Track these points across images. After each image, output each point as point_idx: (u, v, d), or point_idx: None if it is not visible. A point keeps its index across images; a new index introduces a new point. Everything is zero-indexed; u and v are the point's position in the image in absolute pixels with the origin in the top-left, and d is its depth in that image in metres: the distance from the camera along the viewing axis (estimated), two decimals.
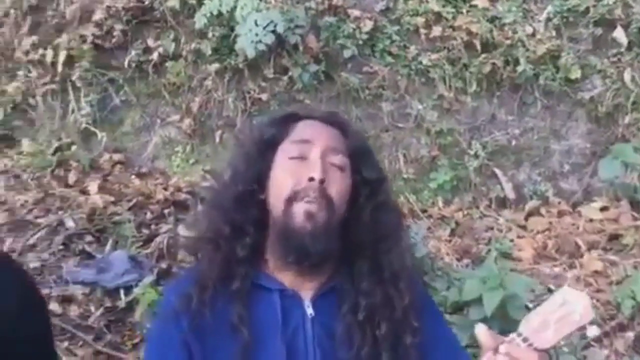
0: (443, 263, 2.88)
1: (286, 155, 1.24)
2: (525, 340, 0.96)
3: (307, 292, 1.25)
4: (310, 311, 1.23)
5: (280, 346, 1.19)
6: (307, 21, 3.68)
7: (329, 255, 1.22)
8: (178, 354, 1.18)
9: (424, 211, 3.53)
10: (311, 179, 1.18)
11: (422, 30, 3.80)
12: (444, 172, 3.67)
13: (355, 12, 3.79)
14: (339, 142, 1.27)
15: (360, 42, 3.75)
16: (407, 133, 3.79)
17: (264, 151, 1.27)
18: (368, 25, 3.76)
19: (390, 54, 3.80)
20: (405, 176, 3.69)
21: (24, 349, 1.21)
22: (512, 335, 0.98)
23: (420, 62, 3.77)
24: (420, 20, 3.82)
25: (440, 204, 3.62)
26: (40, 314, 1.32)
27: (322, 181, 1.18)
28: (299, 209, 1.17)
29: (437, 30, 3.81)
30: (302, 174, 1.20)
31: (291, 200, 1.19)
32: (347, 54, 3.73)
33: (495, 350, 0.98)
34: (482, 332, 1.01)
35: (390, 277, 1.25)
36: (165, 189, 3.46)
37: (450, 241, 3.24)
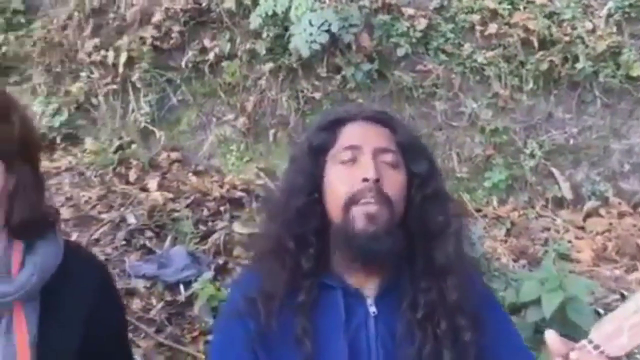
0: (499, 263, 2.85)
1: (337, 160, 1.24)
2: (596, 347, 0.93)
3: (369, 290, 1.26)
4: (373, 309, 1.24)
5: (342, 344, 1.20)
6: (361, 20, 3.69)
7: (396, 253, 1.23)
8: (242, 352, 1.22)
9: (478, 210, 3.50)
10: (365, 180, 1.18)
11: (478, 28, 3.77)
12: (499, 171, 3.63)
13: (410, 10, 3.79)
14: (388, 140, 1.26)
15: (414, 40, 3.74)
16: (461, 132, 3.76)
17: (315, 159, 1.27)
18: (422, 24, 3.75)
19: (444, 52, 3.77)
20: (458, 175, 3.66)
21: (105, 335, 1.26)
22: (583, 342, 0.95)
23: (475, 60, 3.73)
24: (475, 17, 3.78)
25: (495, 203, 3.57)
26: (118, 302, 1.38)
27: (376, 180, 1.18)
28: (359, 212, 1.17)
29: (492, 28, 3.76)
30: (355, 176, 1.19)
31: (348, 205, 1.18)
32: (400, 52, 3.73)
33: (565, 357, 0.97)
34: (551, 337, 0.99)
35: (443, 272, 1.25)
36: (221, 186, 3.53)
37: (505, 241, 3.19)
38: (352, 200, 1.18)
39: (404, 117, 3.65)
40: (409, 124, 1.42)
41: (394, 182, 1.22)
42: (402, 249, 1.23)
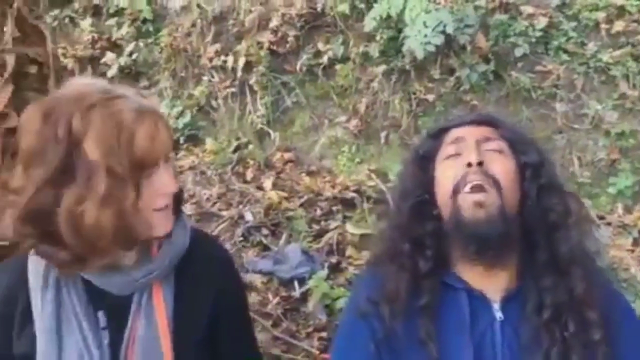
0: (627, 274, 2.68)
1: (442, 158, 1.26)
2: None
3: (494, 294, 1.25)
4: (499, 315, 1.23)
5: (468, 348, 1.19)
6: (477, 20, 3.62)
7: (509, 240, 1.20)
8: (367, 352, 1.24)
9: (601, 218, 3.31)
10: (469, 165, 1.19)
11: (603, 26, 3.57)
12: (625, 176, 3.41)
13: (529, 9, 3.66)
14: (491, 134, 1.27)
15: (533, 39, 3.62)
16: (583, 135, 3.57)
17: (424, 166, 1.31)
18: (542, 22, 3.61)
19: (565, 51, 3.61)
20: (580, 180, 3.49)
21: (230, 316, 1.34)
22: None
23: (600, 60, 3.54)
24: (600, 15, 3.59)
25: (620, 210, 3.36)
26: (241, 286, 1.46)
27: (480, 163, 1.18)
28: (466, 200, 1.17)
29: (619, 25, 3.55)
30: (459, 164, 1.21)
31: (455, 193, 1.19)
32: (518, 52, 3.61)
33: None
34: None
35: (568, 264, 1.21)
36: (333, 187, 3.59)
37: (633, 251, 3.00)
38: (457, 187, 1.19)
39: (522, 119, 3.54)
40: (512, 122, 1.42)
41: (501, 165, 1.21)
42: (517, 239, 1.21)
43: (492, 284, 1.25)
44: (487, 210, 1.16)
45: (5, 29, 1.75)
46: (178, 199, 1.27)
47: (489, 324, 1.22)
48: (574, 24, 3.62)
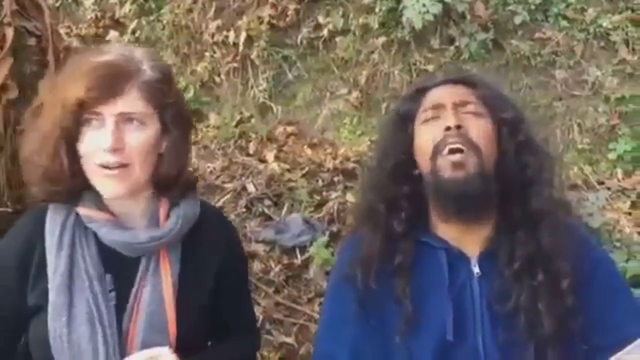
0: (622, 235, 2.72)
1: (422, 121, 1.29)
2: None
3: (472, 251, 1.29)
4: (476, 270, 1.27)
5: (447, 303, 1.24)
6: None
7: (488, 199, 1.24)
8: (351, 311, 1.29)
9: (601, 183, 3.33)
10: (448, 128, 1.22)
11: None
12: (625, 142, 3.42)
13: None
14: (468, 96, 1.29)
15: (533, 7, 3.61)
16: (583, 101, 3.58)
17: (402, 126, 1.33)
18: None
19: (565, 17, 3.61)
20: (580, 147, 3.50)
21: (233, 285, 1.40)
22: None
23: (600, 25, 3.53)
24: None
25: (620, 175, 3.38)
26: (244, 256, 1.52)
27: (458, 127, 1.21)
28: (445, 162, 1.20)
29: None
30: (438, 128, 1.24)
31: (435, 155, 1.22)
32: (517, 20, 3.62)
33: None
34: None
35: (538, 217, 1.24)
36: (335, 158, 3.62)
37: (630, 214, 3.03)
38: (437, 150, 1.22)
39: (521, 86, 3.55)
40: (490, 80, 1.43)
41: (479, 129, 1.24)
42: (495, 197, 1.25)
43: (470, 241, 1.29)
44: (466, 171, 1.20)
45: (4, 2, 1.80)
46: (187, 180, 1.32)
47: (467, 279, 1.26)
48: None
